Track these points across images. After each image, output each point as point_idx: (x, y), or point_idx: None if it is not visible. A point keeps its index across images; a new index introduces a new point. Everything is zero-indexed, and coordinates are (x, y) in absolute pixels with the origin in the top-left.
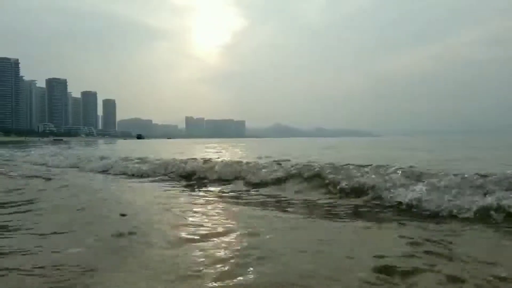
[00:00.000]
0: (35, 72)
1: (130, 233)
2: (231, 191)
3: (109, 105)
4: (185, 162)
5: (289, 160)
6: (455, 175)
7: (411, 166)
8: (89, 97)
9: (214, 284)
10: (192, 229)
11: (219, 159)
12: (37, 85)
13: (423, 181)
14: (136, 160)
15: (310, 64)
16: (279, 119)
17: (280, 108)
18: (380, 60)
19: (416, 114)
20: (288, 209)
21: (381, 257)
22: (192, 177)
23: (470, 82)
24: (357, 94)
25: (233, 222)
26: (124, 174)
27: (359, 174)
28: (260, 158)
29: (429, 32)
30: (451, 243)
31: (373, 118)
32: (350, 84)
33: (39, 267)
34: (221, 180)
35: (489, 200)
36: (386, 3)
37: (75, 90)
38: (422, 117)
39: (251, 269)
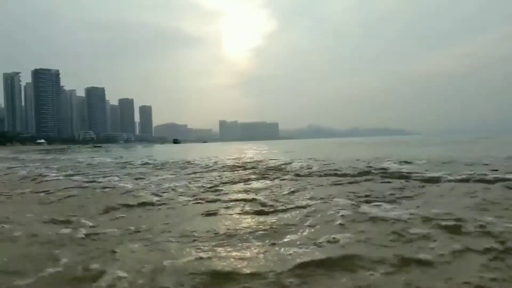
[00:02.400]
0: (74, 82)
1: None
2: None
3: (146, 111)
4: None
5: None
6: None
7: None
8: (126, 104)
9: None
10: None
11: None
12: (77, 94)
13: None
14: None
15: (342, 64)
16: (312, 120)
17: (313, 109)
18: (412, 59)
19: (447, 113)
20: None
21: None
22: None
23: (504, 79)
24: (388, 94)
25: None
26: None
27: None
28: None
29: (461, 30)
30: None
31: (404, 117)
32: (382, 84)
33: None
34: None
35: None
36: (415, 2)
37: (112, 98)
38: (454, 116)
39: None
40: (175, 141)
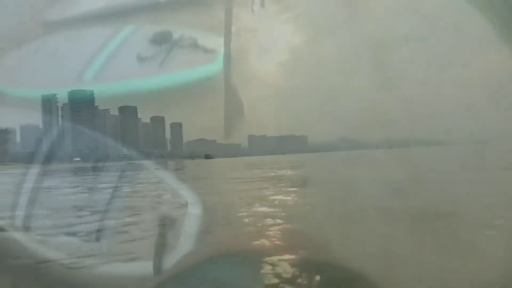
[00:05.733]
0: (108, 101)
1: None
2: None
3: (176, 128)
4: None
5: None
6: None
7: None
8: (157, 121)
9: None
10: None
11: None
12: (110, 113)
13: None
14: None
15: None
16: (343, 132)
17: (344, 120)
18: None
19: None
20: None
21: None
22: None
23: None
24: (428, 99)
25: None
26: None
27: None
28: None
29: None
30: None
31: (442, 123)
32: (420, 90)
33: None
34: None
35: None
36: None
37: (144, 116)
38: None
39: None
40: (207, 157)
